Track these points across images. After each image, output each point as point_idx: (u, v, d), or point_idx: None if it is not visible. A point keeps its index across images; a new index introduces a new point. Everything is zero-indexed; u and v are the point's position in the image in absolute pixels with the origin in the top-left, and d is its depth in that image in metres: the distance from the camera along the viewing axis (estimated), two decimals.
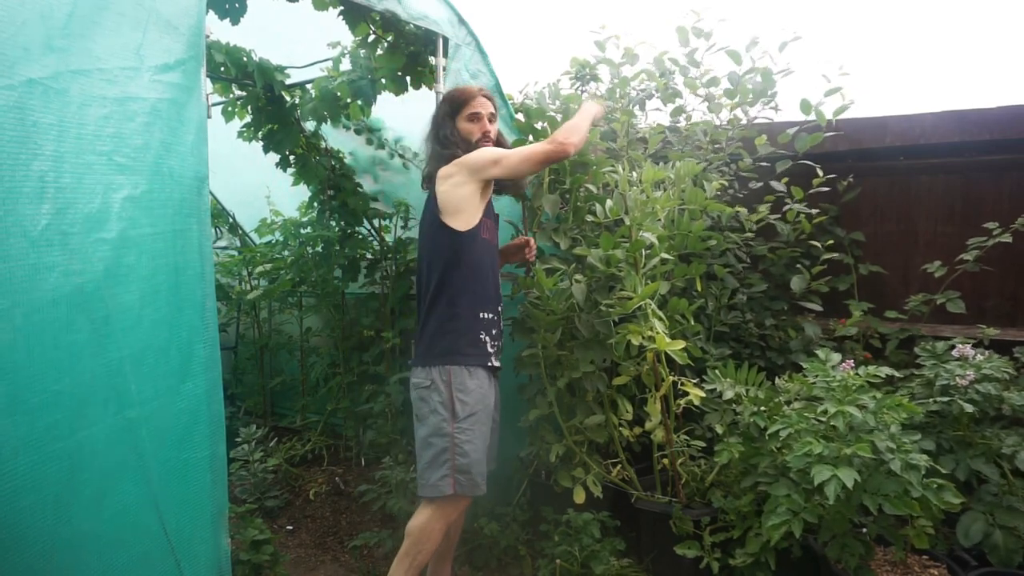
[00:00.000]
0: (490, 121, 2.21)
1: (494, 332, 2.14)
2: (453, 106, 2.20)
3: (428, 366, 2.07)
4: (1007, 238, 2.51)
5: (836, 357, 2.08)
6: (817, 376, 2.02)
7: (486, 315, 2.11)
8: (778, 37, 3.01)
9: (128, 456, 1.56)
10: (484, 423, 2.07)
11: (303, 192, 3.47)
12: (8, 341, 1.30)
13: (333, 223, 3.38)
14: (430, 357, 2.08)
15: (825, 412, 1.84)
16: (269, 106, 2.88)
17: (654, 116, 3.42)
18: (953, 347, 2.27)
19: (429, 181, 2.18)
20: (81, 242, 1.44)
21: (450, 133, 2.17)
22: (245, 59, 2.65)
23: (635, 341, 2.09)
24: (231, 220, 4.13)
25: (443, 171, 2.11)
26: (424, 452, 2.04)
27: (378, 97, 2.78)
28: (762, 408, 2.16)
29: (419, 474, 2.06)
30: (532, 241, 2.44)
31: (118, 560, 1.55)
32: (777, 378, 2.30)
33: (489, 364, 2.11)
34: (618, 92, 3.26)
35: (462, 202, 2.08)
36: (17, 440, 1.32)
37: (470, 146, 2.14)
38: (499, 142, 2.26)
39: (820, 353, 2.10)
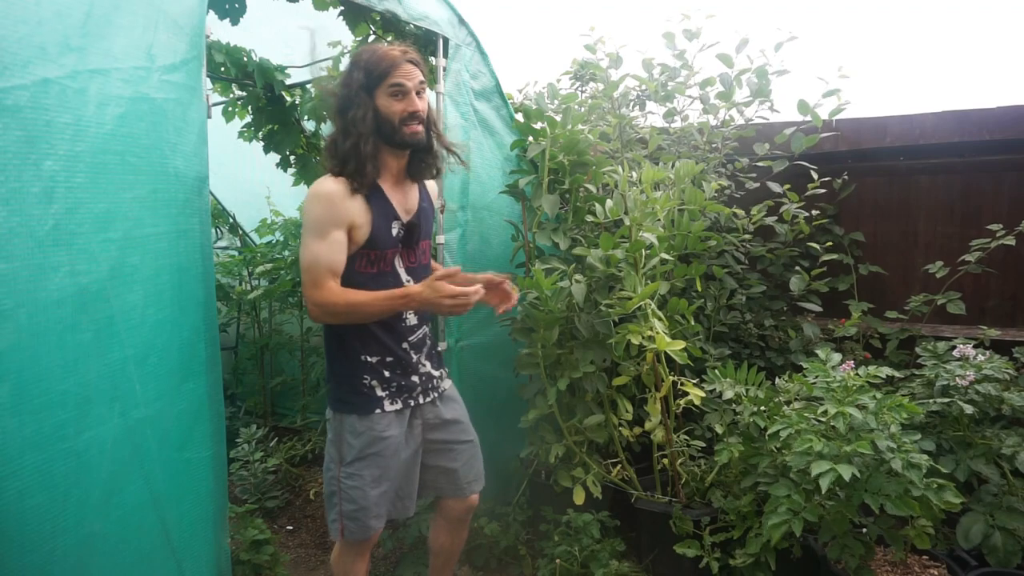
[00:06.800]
0: (418, 94, 1.73)
1: (386, 374, 1.81)
2: (371, 76, 1.70)
3: (328, 404, 1.86)
4: (1010, 241, 2.51)
5: (836, 357, 2.08)
6: (817, 376, 2.02)
7: (370, 358, 1.80)
8: (774, 37, 3.01)
9: (132, 457, 1.56)
10: (378, 465, 1.79)
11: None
12: (13, 341, 1.30)
13: None
14: (329, 397, 1.86)
15: (825, 413, 1.84)
16: (269, 106, 2.87)
17: (654, 117, 3.41)
18: (954, 347, 2.27)
19: None
20: (88, 242, 1.44)
21: (362, 116, 1.70)
22: (245, 59, 2.65)
23: (635, 341, 2.09)
24: (231, 220, 4.13)
25: (312, 190, 1.72)
26: (325, 489, 1.88)
27: None
28: (762, 408, 2.17)
29: None
30: (507, 285, 1.93)
31: (122, 560, 1.55)
32: (777, 378, 2.31)
33: (379, 410, 1.79)
34: (613, 94, 3.25)
35: None
36: (23, 440, 1.32)
37: (393, 130, 1.72)
38: (431, 119, 1.82)
39: (820, 353, 2.10)
